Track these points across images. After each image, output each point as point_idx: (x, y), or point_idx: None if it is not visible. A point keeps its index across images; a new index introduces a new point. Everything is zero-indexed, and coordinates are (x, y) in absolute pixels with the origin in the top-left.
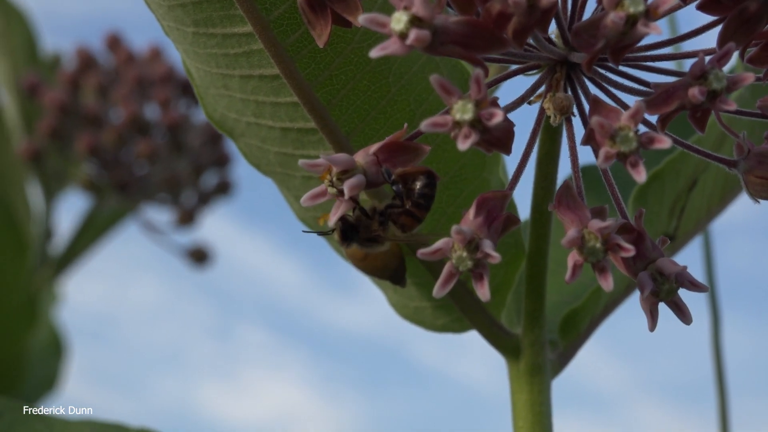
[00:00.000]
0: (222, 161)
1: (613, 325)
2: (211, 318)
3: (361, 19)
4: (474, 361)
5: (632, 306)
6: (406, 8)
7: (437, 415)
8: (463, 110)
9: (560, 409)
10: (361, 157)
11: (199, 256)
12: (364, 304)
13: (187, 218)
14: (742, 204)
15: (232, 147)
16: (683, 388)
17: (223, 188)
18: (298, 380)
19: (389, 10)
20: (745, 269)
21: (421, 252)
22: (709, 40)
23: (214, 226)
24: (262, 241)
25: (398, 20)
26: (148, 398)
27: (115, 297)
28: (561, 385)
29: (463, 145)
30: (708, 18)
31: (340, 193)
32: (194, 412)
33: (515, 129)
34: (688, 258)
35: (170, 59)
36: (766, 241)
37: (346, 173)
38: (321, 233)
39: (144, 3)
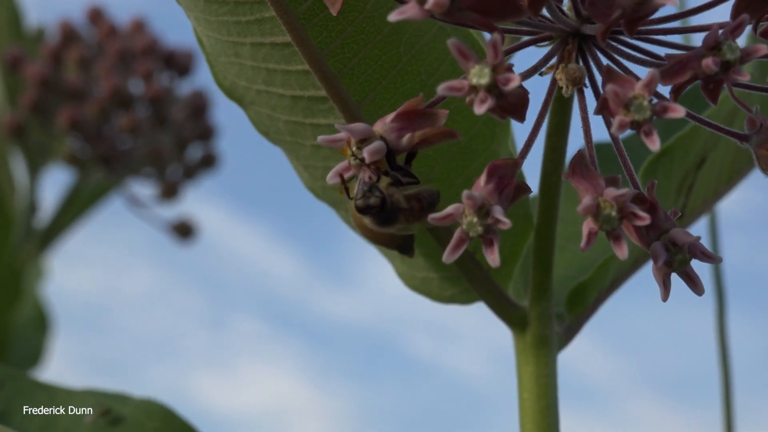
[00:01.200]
0: (206, 134)
1: (607, 318)
2: (204, 307)
3: None
4: (467, 353)
5: (626, 299)
6: None
7: (430, 406)
8: (479, 74)
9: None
10: (379, 126)
11: (183, 231)
12: (359, 294)
13: (171, 192)
14: (737, 199)
15: (216, 119)
16: (677, 382)
17: (208, 161)
18: (292, 370)
19: None
20: (739, 265)
21: (432, 217)
22: (715, 16)
23: (209, 214)
24: (256, 230)
25: None
26: (140, 385)
27: (107, 284)
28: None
29: (479, 109)
30: None
31: (362, 162)
32: (186, 401)
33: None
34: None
35: (153, 32)
36: (760, 237)
37: (365, 142)
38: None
39: None
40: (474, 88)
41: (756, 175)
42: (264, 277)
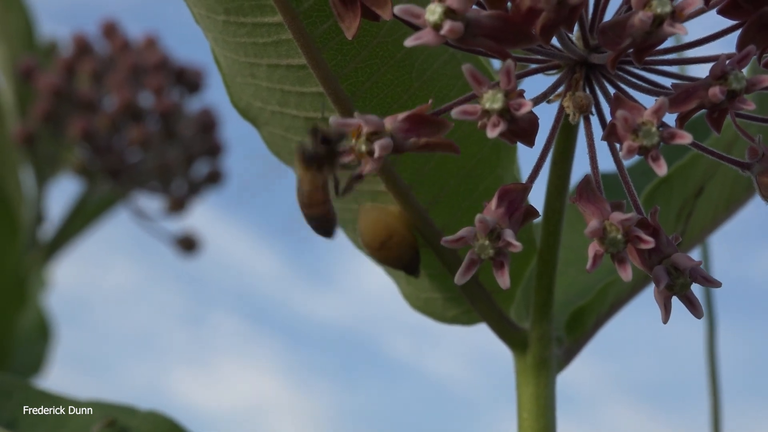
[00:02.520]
0: (213, 151)
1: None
2: (185, 304)
3: (396, 9)
4: (446, 355)
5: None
6: (440, 0)
7: (408, 407)
8: (493, 99)
9: None
10: (389, 123)
11: (188, 245)
12: (339, 293)
13: (177, 206)
14: None
15: (223, 137)
16: (659, 389)
17: (214, 178)
18: (271, 369)
19: (415, 2)
20: (728, 273)
21: (445, 240)
22: (716, 47)
23: (194, 213)
24: (238, 229)
25: (433, 12)
26: (121, 382)
27: (90, 281)
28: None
29: (492, 133)
30: (716, 25)
31: (369, 153)
32: (167, 398)
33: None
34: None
35: (165, 48)
36: (743, 246)
37: (375, 135)
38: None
39: None
40: (487, 112)
41: None
42: (244, 275)
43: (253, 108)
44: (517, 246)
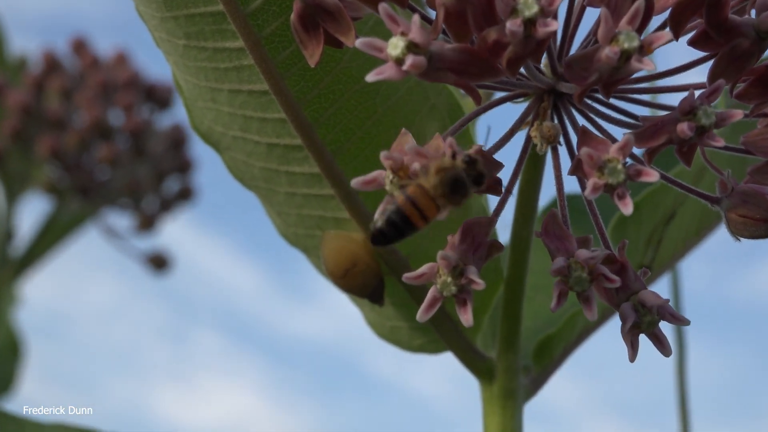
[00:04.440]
0: (184, 168)
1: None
2: (166, 321)
3: (358, 43)
4: (428, 375)
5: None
6: (403, 34)
7: (389, 425)
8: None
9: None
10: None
11: (158, 263)
12: (321, 311)
13: (147, 224)
14: None
15: (193, 153)
16: (638, 407)
17: (185, 194)
18: (252, 386)
19: (380, 30)
20: (702, 292)
21: (407, 276)
22: (691, 75)
23: (172, 228)
24: (219, 245)
25: (395, 46)
26: (102, 399)
27: (71, 297)
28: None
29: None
30: (691, 52)
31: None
32: (148, 415)
33: (500, 154)
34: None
35: (135, 65)
36: (722, 266)
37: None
38: None
39: (137, 13)
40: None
41: None
42: (226, 292)
43: (214, 133)
44: (480, 284)
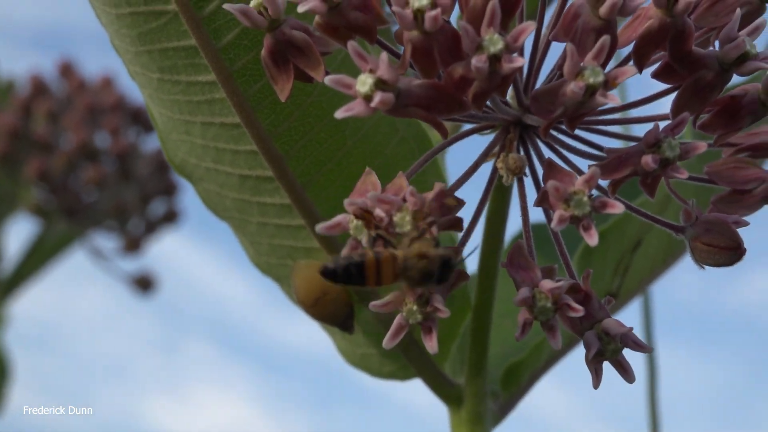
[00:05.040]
0: (169, 190)
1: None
2: (158, 332)
3: (327, 80)
4: (419, 387)
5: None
6: (371, 71)
7: None
8: (402, 223)
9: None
10: None
11: (144, 284)
12: (312, 322)
13: (133, 245)
14: None
15: (180, 178)
16: (625, 416)
17: (170, 217)
18: (244, 396)
19: (350, 66)
20: (691, 302)
21: (373, 304)
22: (660, 105)
23: (164, 239)
24: (210, 255)
25: (363, 83)
26: (94, 411)
27: (62, 312)
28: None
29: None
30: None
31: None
32: (140, 425)
33: (468, 185)
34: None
35: (121, 88)
36: (710, 275)
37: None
38: None
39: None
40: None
41: None
42: (217, 302)
43: (188, 164)
44: (445, 312)
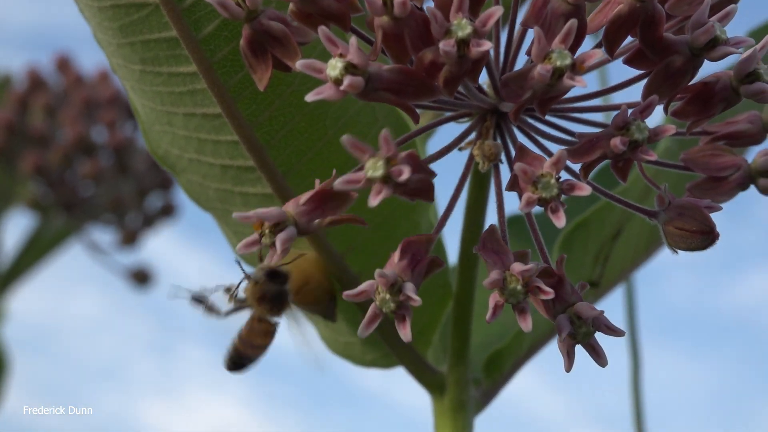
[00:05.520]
0: (166, 185)
1: (551, 354)
2: (152, 334)
3: (298, 64)
4: (414, 386)
5: None
6: (341, 55)
7: None
8: (374, 168)
9: None
10: (291, 208)
11: (140, 278)
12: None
13: (130, 239)
14: None
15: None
16: (616, 417)
17: (167, 211)
18: (238, 398)
19: (328, 56)
20: (684, 303)
21: (347, 294)
22: (638, 93)
23: (158, 241)
24: (205, 257)
25: (333, 67)
26: (89, 412)
27: (57, 311)
28: (500, 411)
29: (373, 201)
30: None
31: (273, 244)
32: (134, 427)
33: (447, 174)
34: (611, 300)
35: (117, 82)
36: (706, 276)
37: (277, 226)
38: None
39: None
40: (370, 180)
41: None
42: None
43: (171, 155)
44: (417, 300)
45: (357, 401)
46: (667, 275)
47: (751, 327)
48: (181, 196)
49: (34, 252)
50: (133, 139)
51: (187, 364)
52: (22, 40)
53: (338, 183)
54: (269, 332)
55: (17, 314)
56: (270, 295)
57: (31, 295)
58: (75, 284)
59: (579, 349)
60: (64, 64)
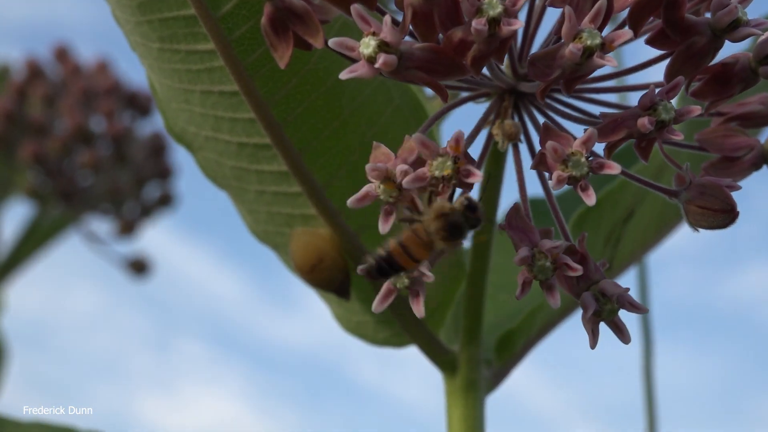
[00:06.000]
0: (164, 174)
1: (554, 349)
2: (150, 329)
3: (331, 42)
4: (411, 380)
5: (571, 330)
6: (374, 33)
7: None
8: (441, 168)
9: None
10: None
11: (138, 267)
12: (304, 318)
13: (128, 229)
14: (684, 232)
15: (174, 160)
16: (618, 411)
17: (165, 201)
18: (236, 393)
19: (347, 33)
20: (684, 296)
21: (360, 269)
22: (652, 74)
23: (155, 235)
24: (202, 252)
25: (367, 45)
26: (85, 405)
27: (55, 304)
28: (503, 405)
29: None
30: (652, 53)
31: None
32: (131, 422)
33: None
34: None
35: (116, 72)
36: (705, 269)
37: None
38: None
39: (112, 18)
40: (435, 180)
41: None
42: (210, 299)
43: (187, 133)
44: (430, 277)
45: (354, 395)
46: (666, 269)
47: (750, 320)
48: (178, 187)
49: (32, 241)
50: (132, 129)
51: (184, 358)
52: (20, 33)
53: (407, 181)
54: (429, 248)
55: (15, 308)
56: (452, 221)
57: (28, 289)
58: (72, 277)
59: (578, 348)
60: (62, 54)
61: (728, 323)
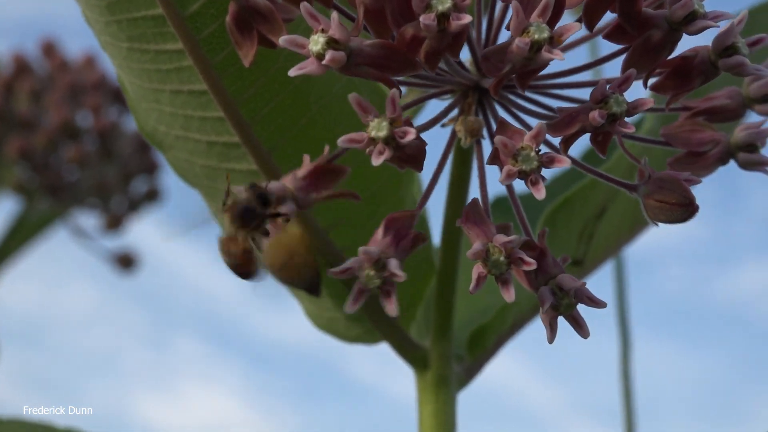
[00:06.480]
0: (151, 169)
1: (546, 348)
2: (146, 326)
3: (281, 40)
4: (410, 377)
5: (566, 328)
6: (323, 30)
7: (370, 430)
8: (378, 128)
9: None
10: (290, 182)
11: (125, 262)
12: (299, 315)
13: (115, 223)
14: (676, 232)
15: (160, 156)
16: (610, 408)
17: (152, 195)
18: (232, 390)
19: (311, 32)
20: (675, 293)
21: (332, 271)
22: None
23: (149, 232)
24: (197, 249)
25: (315, 42)
26: (79, 403)
27: (49, 301)
28: (494, 402)
29: (376, 161)
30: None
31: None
32: (127, 420)
33: (430, 152)
34: (601, 283)
35: (103, 67)
36: (698, 269)
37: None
38: None
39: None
40: (373, 140)
41: None
42: (205, 296)
43: (158, 133)
44: (402, 276)
45: (351, 392)
46: (660, 267)
47: (744, 319)
48: (166, 181)
49: (19, 236)
50: (118, 124)
51: (181, 356)
52: (7, 28)
53: (342, 140)
54: (245, 244)
55: (5, 304)
56: (239, 209)
57: (20, 285)
58: (63, 274)
59: (573, 348)
60: (49, 49)
61: (722, 322)
